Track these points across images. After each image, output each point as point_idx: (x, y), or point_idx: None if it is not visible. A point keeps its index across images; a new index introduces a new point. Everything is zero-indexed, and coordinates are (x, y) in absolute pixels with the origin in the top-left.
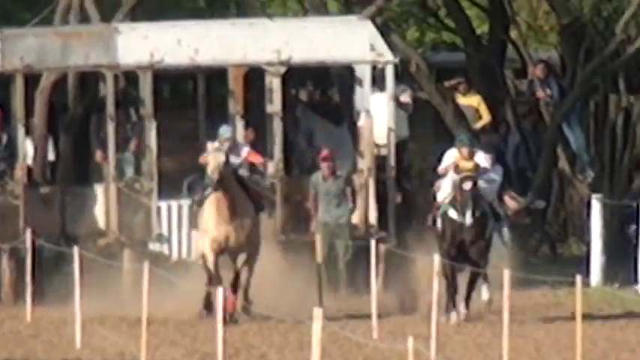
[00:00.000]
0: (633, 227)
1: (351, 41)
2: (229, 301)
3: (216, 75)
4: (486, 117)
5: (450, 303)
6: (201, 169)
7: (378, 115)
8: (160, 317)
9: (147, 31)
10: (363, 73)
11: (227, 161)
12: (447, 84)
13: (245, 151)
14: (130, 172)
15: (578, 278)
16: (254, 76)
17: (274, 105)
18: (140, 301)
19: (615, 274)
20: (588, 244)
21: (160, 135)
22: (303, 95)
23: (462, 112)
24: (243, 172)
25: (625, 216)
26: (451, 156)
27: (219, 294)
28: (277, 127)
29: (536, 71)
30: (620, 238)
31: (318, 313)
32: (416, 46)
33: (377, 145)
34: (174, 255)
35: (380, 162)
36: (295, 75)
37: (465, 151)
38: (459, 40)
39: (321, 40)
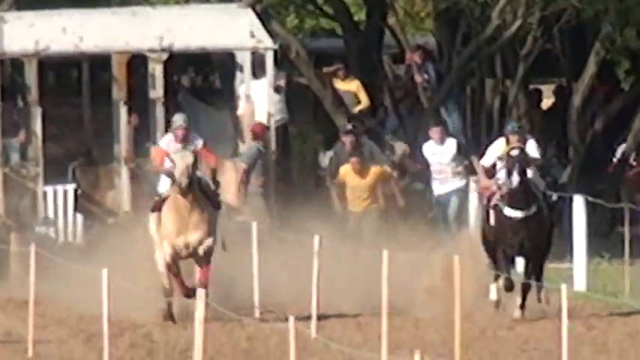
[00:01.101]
0: None
1: (231, 28)
2: (203, 277)
3: (100, 62)
4: (365, 101)
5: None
6: (87, 153)
7: (259, 100)
8: (47, 298)
9: (32, 20)
10: (244, 59)
11: (195, 162)
12: (326, 70)
13: (199, 143)
14: (15, 157)
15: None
16: (137, 62)
17: (157, 91)
18: (27, 283)
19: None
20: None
21: (46, 121)
22: (185, 81)
23: (340, 97)
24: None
25: None
26: (499, 146)
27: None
28: (160, 112)
29: (414, 57)
30: None
31: (200, 293)
32: (295, 33)
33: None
34: (61, 238)
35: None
36: (177, 61)
37: (515, 139)
38: (338, 27)
39: (203, 27)
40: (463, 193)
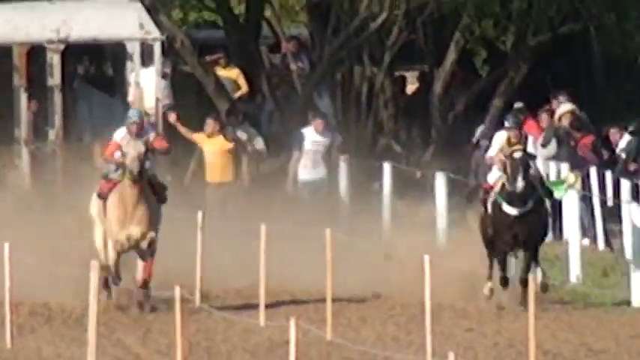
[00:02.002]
0: (377, 184)
1: (122, 21)
2: (146, 270)
3: (2, 52)
4: (244, 88)
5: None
6: None
7: (147, 87)
8: None
9: None
10: (134, 49)
11: (146, 152)
12: (208, 58)
13: (152, 135)
14: None
15: None
16: (36, 52)
17: (55, 79)
18: None
19: (360, 225)
20: (338, 200)
21: None
22: (81, 69)
23: (222, 84)
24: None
25: (371, 173)
26: (500, 138)
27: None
28: (57, 98)
29: (289, 46)
30: (367, 193)
31: (94, 264)
32: (180, 25)
33: (147, 114)
34: None
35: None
36: (73, 51)
37: (514, 134)
38: (219, 19)
39: (96, 20)
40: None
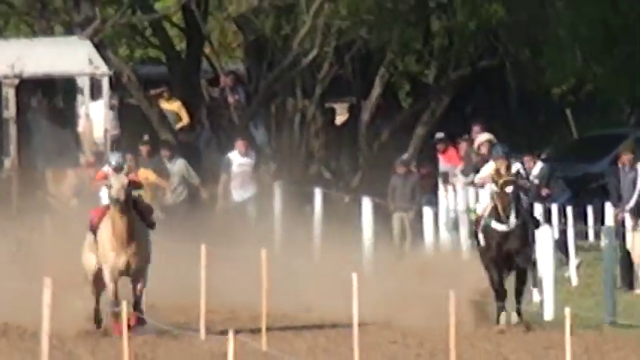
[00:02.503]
0: (309, 207)
1: (72, 57)
2: (132, 319)
3: None
4: (185, 119)
5: (501, 309)
6: None
7: (96, 118)
8: None
9: None
10: (83, 83)
11: (129, 183)
12: (152, 92)
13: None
14: None
15: None
16: None
17: (10, 111)
18: None
19: (293, 245)
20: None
21: None
22: (34, 102)
23: (165, 116)
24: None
25: (303, 198)
26: (489, 168)
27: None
28: (12, 129)
29: (227, 80)
30: (299, 216)
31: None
32: (126, 61)
33: (95, 143)
34: None
35: (99, 157)
36: (27, 85)
37: (502, 163)
38: (163, 56)
39: (48, 56)
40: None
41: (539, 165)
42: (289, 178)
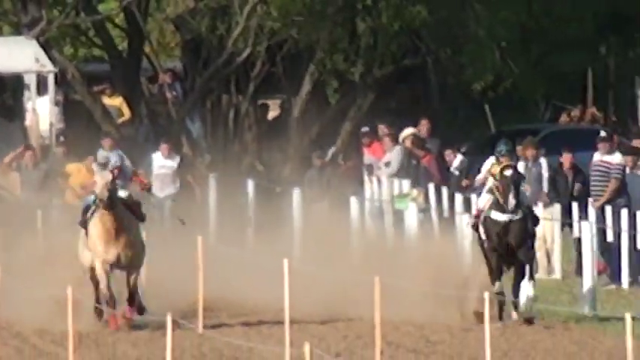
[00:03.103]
0: (243, 198)
1: (20, 56)
2: (127, 315)
3: None
4: (127, 114)
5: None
6: None
7: (42, 113)
8: None
9: None
10: (30, 80)
11: (114, 179)
12: (96, 88)
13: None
14: None
15: None
16: None
17: None
18: None
19: (228, 233)
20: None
21: None
22: None
23: (107, 110)
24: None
25: (236, 189)
26: (489, 163)
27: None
28: None
29: (165, 78)
30: (233, 206)
31: None
32: (71, 59)
33: (41, 136)
34: None
35: (45, 149)
36: None
37: (506, 160)
38: (105, 54)
39: None
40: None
41: (459, 157)
42: (224, 170)
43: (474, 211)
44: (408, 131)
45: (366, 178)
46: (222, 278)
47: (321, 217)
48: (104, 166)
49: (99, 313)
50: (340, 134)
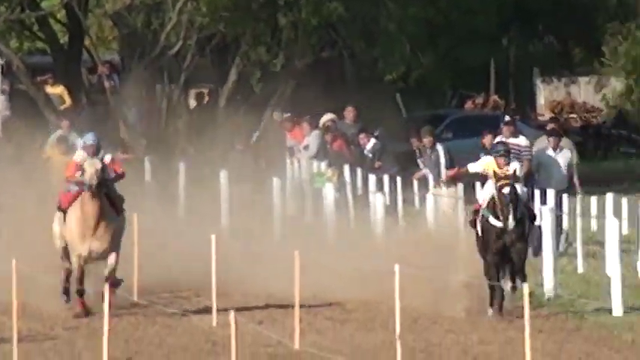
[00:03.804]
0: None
1: None
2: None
3: None
4: (68, 102)
5: (492, 300)
6: None
7: None
8: None
9: None
10: None
11: (103, 168)
12: (39, 79)
13: (108, 158)
14: None
15: None
16: None
17: None
18: None
19: (160, 212)
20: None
21: None
22: None
23: (50, 99)
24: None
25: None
26: (486, 162)
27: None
28: None
29: (103, 69)
30: (166, 188)
31: None
32: (16, 52)
33: None
34: None
35: None
36: None
37: (502, 161)
38: (48, 47)
39: None
40: None
41: (373, 141)
42: (158, 154)
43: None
44: (328, 117)
45: (287, 160)
46: (155, 253)
47: (246, 197)
48: (92, 148)
49: (66, 293)
50: (263, 120)
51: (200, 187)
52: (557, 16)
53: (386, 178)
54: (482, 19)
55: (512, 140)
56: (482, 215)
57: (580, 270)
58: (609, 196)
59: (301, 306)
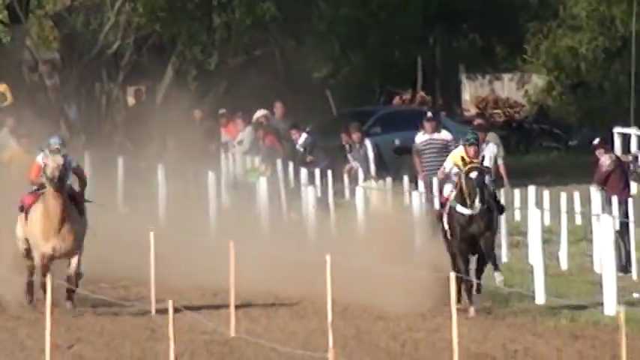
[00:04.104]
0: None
1: None
2: (68, 305)
3: None
4: (10, 99)
5: (468, 296)
6: None
7: None
8: None
9: None
10: None
11: (64, 163)
12: None
13: (73, 163)
14: None
15: None
16: None
17: None
18: None
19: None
20: None
21: None
22: None
23: None
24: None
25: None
26: (456, 153)
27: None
28: None
29: (44, 68)
30: (106, 180)
31: None
32: None
33: None
34: None
35: None
36: None
37: (472, 150)
38: None
39: None
40: None
41: (304, 136)
42: (97, 149)
43: (437, 199)
44: (260, 113)
45: (222, 155)
46: (94, 245)
47: (182, 190)
48: (56, 151)
49: (29, 292)
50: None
51: (138, 180)
52: (480, 15)
53: (317, 171)
54: (409, 19)
55: (436, 135)
56: (450, 206)
57: (504, 259)
58: (531, 189)
59: (236, 295)
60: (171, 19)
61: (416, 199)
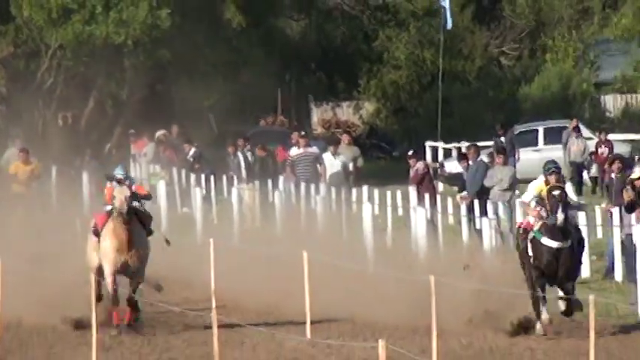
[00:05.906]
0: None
1: None
2: (127, 315)
3: None
4: None
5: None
6: None
7: None
8: None
9: None
10: None
11: (132, 195)
12: None
13: (134, 186)
14: None
15: None
16: None
17: None
18: None
19: (65, 214)
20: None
21: None
22: None
23: None
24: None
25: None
26: (537, 184)
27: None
28: None
29: None
30: (71, 193)
31: None
32: None
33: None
34: None
35: None
36: None
37: (553, 178)
38: None
39: None
40: None
41: (193, 149)
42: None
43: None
44: (160, 132)
45: (132, 164)
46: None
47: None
48: (122, 181)
49: (98, 299)
50: (114, 135)
51: (67, 185)
52: (325, 58)
53: (203, 176)
54: (272, 62)
55: (309, 149)
56: (534, 237)
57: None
58: (365, 188)
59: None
60: (92, 62)
61: (277, 197)
